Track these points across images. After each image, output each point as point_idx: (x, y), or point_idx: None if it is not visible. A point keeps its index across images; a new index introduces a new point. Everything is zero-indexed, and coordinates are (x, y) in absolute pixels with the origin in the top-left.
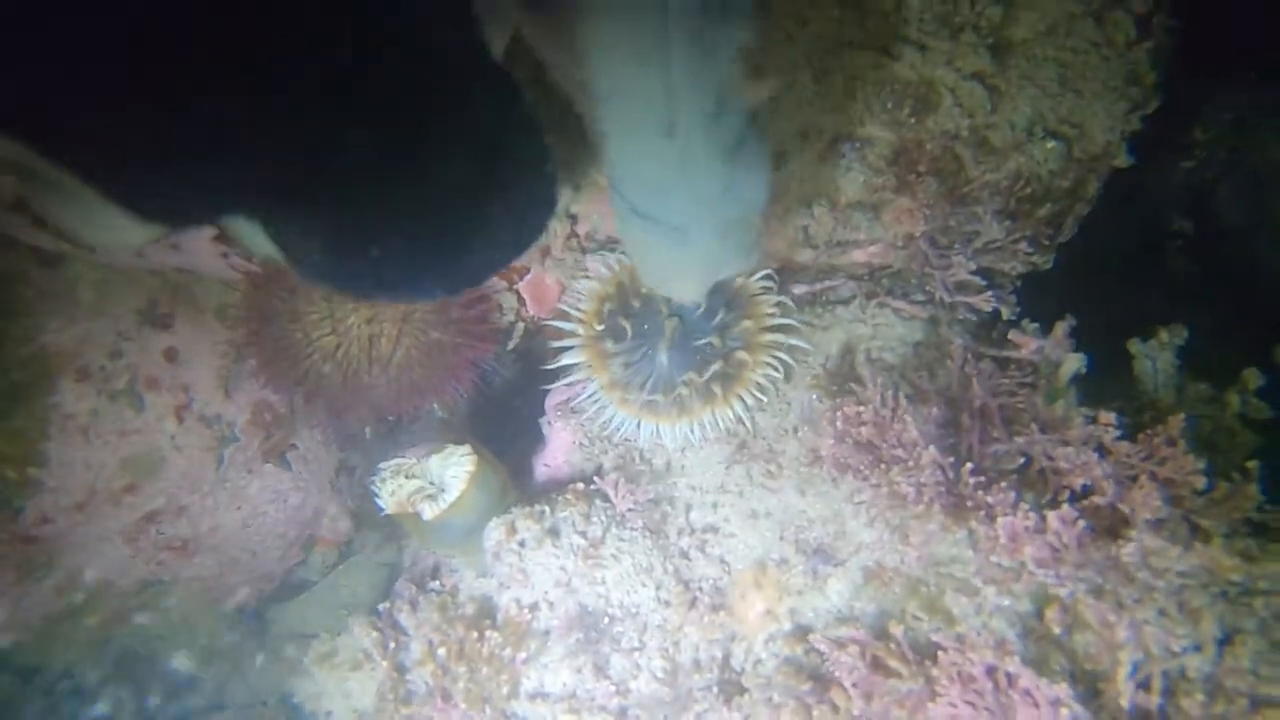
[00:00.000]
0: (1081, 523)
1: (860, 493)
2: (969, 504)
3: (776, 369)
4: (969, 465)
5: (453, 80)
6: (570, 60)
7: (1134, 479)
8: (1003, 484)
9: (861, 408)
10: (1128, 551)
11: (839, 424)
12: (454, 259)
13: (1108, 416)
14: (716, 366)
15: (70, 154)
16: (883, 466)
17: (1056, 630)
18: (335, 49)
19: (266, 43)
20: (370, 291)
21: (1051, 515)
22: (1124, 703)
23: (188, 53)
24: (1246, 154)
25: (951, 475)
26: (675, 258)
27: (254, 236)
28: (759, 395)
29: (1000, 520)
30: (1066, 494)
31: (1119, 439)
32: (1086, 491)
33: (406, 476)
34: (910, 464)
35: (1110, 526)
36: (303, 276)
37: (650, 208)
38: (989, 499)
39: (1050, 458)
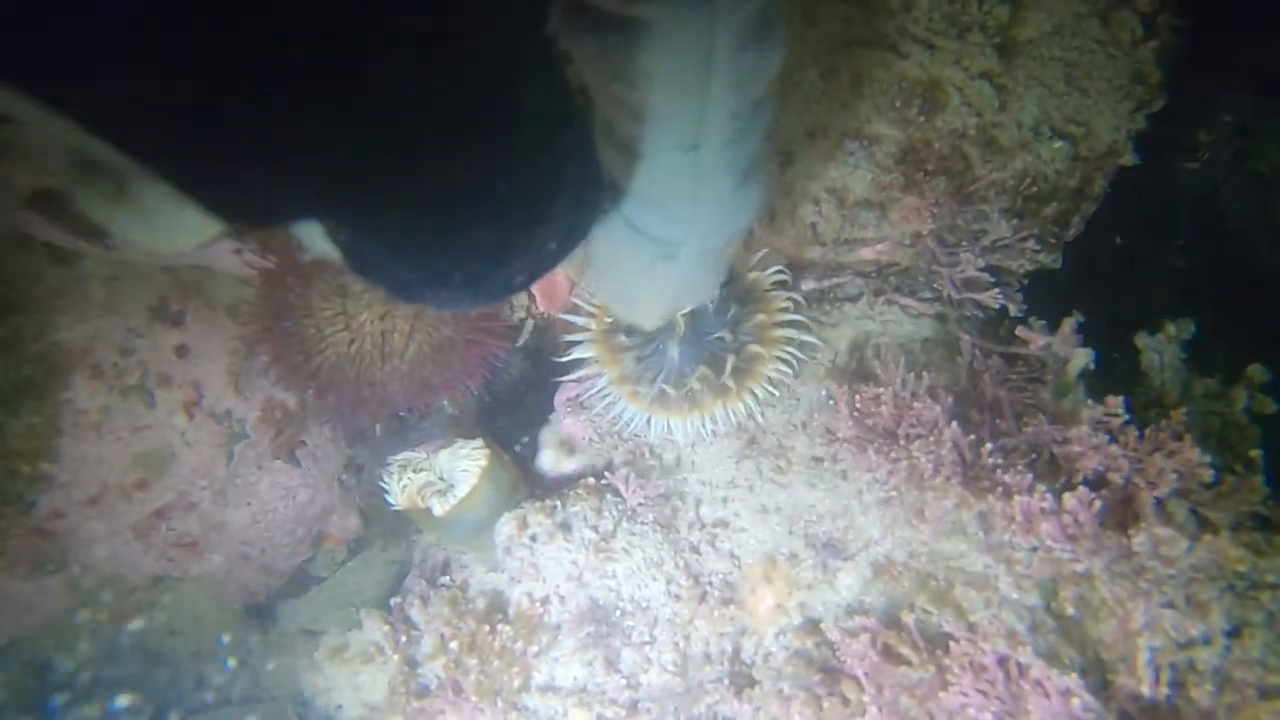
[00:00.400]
0: (1098, 503)
1: (875, 475)
2: (985, 483)
3: (789, 364)
4: (988, 445)
5: (524, 85)
6: (607, 75)
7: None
8: (1019, 466)
9: (880, 390)
10: (1139, 541)
11: (858, 405)
12: (507, 262)
13: (1115, 400)
14: (732, 361)
15: (147, 145)
16: (902, 444)
17: (1070, 612)
18: (408, 46)
19: (337, 33)
20: (425, 294)
21: (1068, 496)
22: (1144, 689)
23: (265, 42)
24: (1249, 156)
25: (970, 457)
26: (652, 278)
27: (311, 235)
28: (771, 389)
29: (1017, 499)
30: (1080, 478)
31: (1126, 424)
32: (1098, 478)
33: (415, 471)
34: (931, 440)
35: (1121, 521)
36: (359, 278)
37: (649, 224)
38: (1006, 478)
39: (1065, 441)
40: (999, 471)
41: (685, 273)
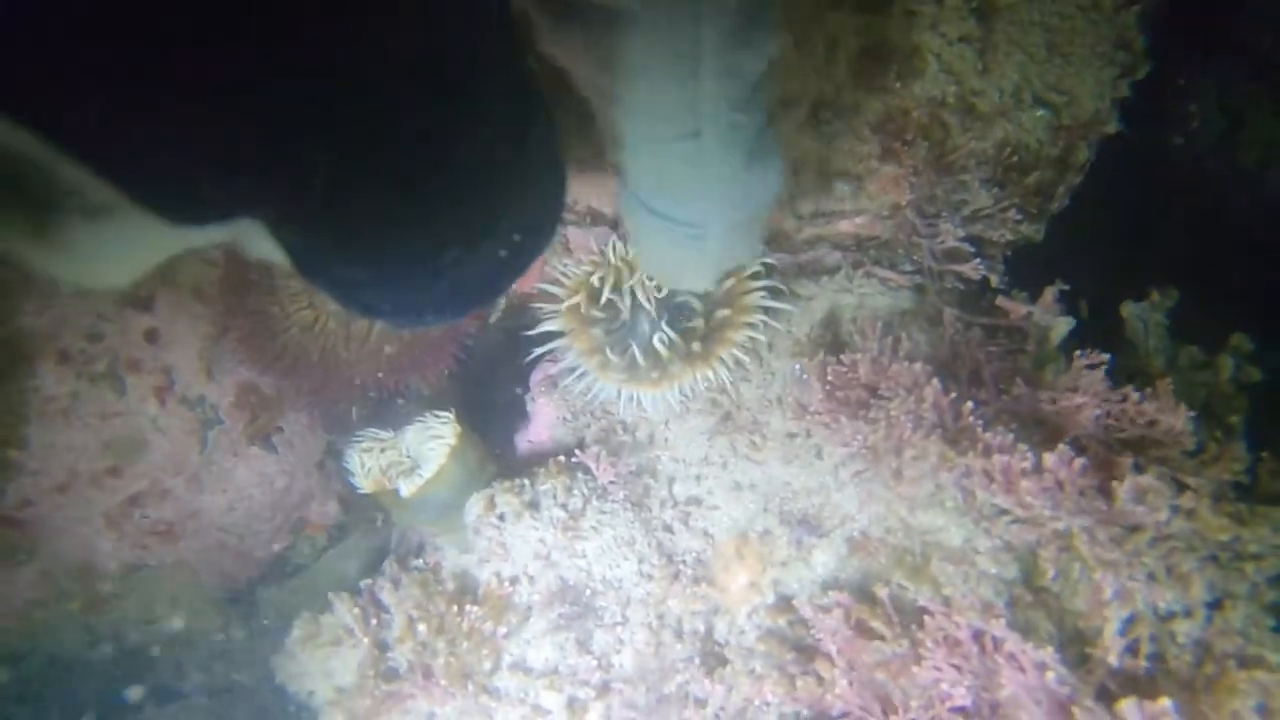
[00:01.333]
0: (1079, 461)
1: (850, 443)
2: (965, 443)
3: (759, 329)
4: (969, 404)
5: (483, 85)
6: (594, 69)
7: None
8: (1000, 427)
9: (858, 355)
10: (1123, 488)
11: (830, 377)
12: (467, 259)
13: (1098, 354)
14: (695, 323)
15: (76, 132)
16: (878, 400)
17: (1050, 574)
18: (363, 37)
19: (286, 20)
20: (378, 298)
21: (1048, 454)
22: (1112, 660)
23: (207, 37)
24: (1238, 130)
25: (950, 416)
26: (689, 255)
27: (251, 235)
28: (742, 356)
29: (997, 458)
30: (1085, 428)
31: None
32: (1090, 437)
33: (379, 450)
34: (910, 398)
35: (1104, 486)
36: (308, 281)
37: (670, 209)
38: (987, 437)
39: (1054, 400)
40: (980, 430)
41: (719, 246)
